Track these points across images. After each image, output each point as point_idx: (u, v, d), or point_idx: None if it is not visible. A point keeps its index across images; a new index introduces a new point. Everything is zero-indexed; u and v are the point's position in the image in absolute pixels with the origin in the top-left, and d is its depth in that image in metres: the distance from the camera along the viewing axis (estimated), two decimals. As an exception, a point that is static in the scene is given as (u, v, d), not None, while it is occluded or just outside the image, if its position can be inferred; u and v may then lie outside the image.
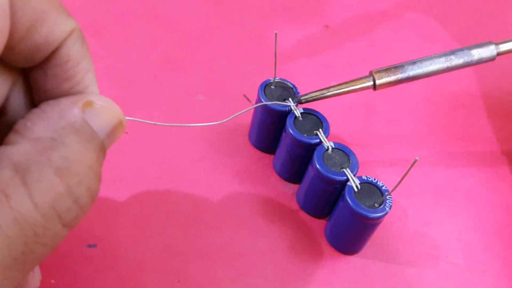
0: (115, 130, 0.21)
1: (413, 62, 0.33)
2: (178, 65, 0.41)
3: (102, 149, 0.20)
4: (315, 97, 0.33)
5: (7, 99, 0.21)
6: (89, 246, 0.30)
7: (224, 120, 0.31)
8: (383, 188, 0.30)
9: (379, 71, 0.33)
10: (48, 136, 0.19)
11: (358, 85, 0.33)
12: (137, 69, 0.40)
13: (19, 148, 0.18)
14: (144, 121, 0.26)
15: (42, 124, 0.19)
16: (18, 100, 0.21)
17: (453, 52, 0.33)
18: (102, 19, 0.44)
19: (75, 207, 0.19)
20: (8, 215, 0.17)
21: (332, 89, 0.33)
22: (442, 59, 0.33)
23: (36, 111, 0.20)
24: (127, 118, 0.22)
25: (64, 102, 0.20)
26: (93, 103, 0.21)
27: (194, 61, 0.42)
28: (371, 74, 0.33)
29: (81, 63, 0.21)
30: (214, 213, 0.33)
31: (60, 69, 0.20)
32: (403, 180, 0.27)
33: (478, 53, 0.33)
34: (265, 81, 0.35)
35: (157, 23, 0.44)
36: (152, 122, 0.26)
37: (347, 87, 0.33)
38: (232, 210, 0.33)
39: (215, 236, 0.32)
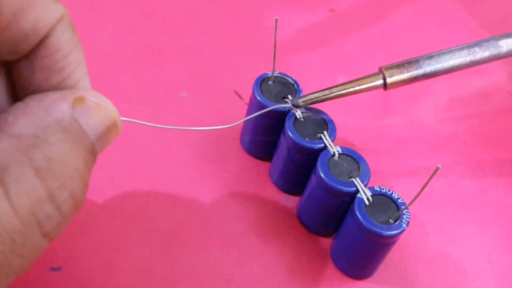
0: (108, 132, 0.22)
1: (430, 56, 0.33)
2: (157, 56, 0.42)
3: (92, 152, 0.21)
4: (315, 100, 0.33)
5: None
6: (53, 269, 0.30)
7: (236, 123, 0.31)
8: (399, 201, 0.30)
9: (389, 68, 0.33)
10: (31, 133, 0.19)
11: (365, 84, 0.33)
12: (110, 60, 0.41)
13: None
14: (144, 123, 0.26)
15: (25, 119, 0.20)
16: (1, 97, 0.22)
17: (477, 44, 0.33)
18: (68, 1, 0.43)
19: (56, 214, 0.19)
20: None
21: (335, 89, 0.33)
22: (464, 51, 0.33)
23: (19, 105, 0.20)
24: (122, 119, 0.23)
25: (51, 96, 0.21)
26: (85, 99, 0.21)
27: (176, 51, 0.42)
28: (380, 71, 0.33)
29: (72, 54, 0.21)
30: (200, 230, 0.33)
31: (49, 61, 0.21)
32: (423, 192, 0.28)
33: (507, 44, 0.33)
34: (262, 76, 0.35)
35: (134, 6, 0.45)
36: (152, 125, 0.27)
37: (352, 87, 0.33)
38: (221, 226, 0.33)
39: (201, 257, 0.32)
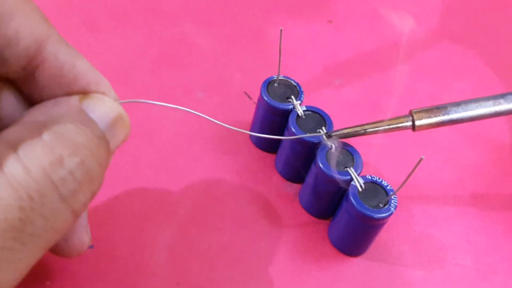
0: (115, 123, 0.22)
1: (458, 104, 0.31)
2: (176, 61, 0.42)
3: (103, 139, 0.21)
4: (347, 134, 0.32)
5: None
6: (86, 247, 0.30)
7: (286, 138, 0.31)
8: (388, 187, 0.30)
9: (419, 111, 0.31)
10: (43, 119, 0.20)
11: (395, 124, 0.32)
12: (134, 65, 0.41)
13: (14, 129, 0.19)
14: (180, 107, 0.27)
15: (37, 111, 0.20)
16: (10, 107, 0.22)
17: (502, 96, 0.32)
18: (98, 13, 0.44)
19: (70, 179, 0.19)
20: (1, 179, 0.17)
21: (367, 127, 0.32)
22: (490, 102, 0.31)
23: (36, 106, 0.21)
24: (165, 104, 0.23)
25: (63, 96, 0.21)
26: (90, 94, 0.21)
27: (193, 57, 0.42)
28: (410, 113, 0.32)
29: (78, 63, 0.22)
30: (214, 214, 0.33)
31: (57, 74, 0.21)
32: (409, 180, 0.28)
33: None
34: (268, 79, 0.35)
35: (155, 17, 0.45)
36: (187, 109, 0.27)
37: (382, 126, 0.32)
38: (233, 210, 0.33)
39: (214, 237, 0.32)
